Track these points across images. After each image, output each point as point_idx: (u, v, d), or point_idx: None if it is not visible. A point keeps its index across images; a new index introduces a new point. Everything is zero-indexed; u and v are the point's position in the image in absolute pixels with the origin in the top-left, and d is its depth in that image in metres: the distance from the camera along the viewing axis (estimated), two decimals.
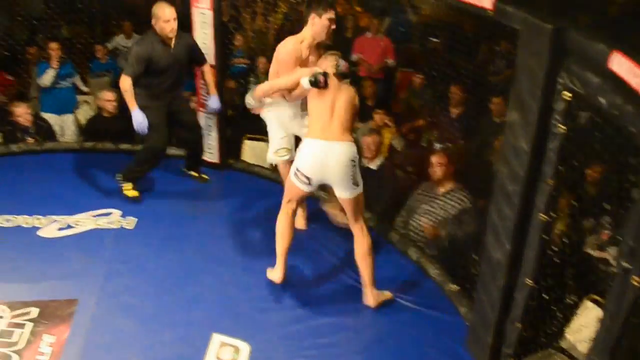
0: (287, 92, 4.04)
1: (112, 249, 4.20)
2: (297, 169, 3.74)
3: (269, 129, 4.34)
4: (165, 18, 4.47)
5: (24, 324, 3.48)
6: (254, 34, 7.97)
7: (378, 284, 3.82)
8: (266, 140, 5.84)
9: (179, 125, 4.98)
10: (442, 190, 4.52)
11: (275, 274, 3.90)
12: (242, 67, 7.18)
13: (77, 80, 6.67)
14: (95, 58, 7.26)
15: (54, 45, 6.19)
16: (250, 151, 5.80)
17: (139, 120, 4.55)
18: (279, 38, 8.08)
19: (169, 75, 4.67)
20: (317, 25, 4.03)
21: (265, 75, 6.90)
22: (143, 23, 7.66)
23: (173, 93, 4.79)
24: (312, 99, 3.84)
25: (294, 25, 8.58)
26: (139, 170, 4.86)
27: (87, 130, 6.09)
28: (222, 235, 4.23)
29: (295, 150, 4.10)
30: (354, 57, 7.37)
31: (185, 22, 4.90)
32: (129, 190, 4.80)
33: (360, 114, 6.19)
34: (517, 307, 3.09)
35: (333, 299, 3.87)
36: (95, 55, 7.27)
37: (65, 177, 5.06)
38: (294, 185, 3.79)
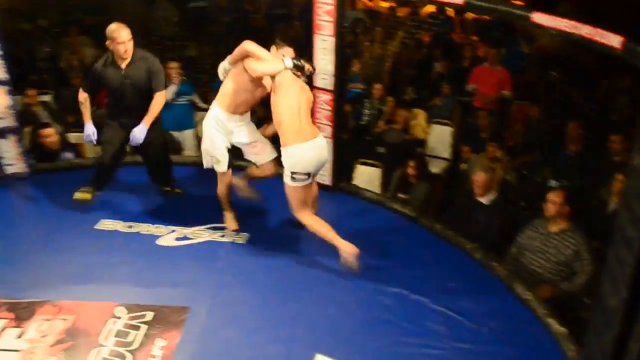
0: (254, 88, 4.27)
1: (224, 262, 4.38)
2: (293, 173, 4.09)
3: (210, 135, 4.45)
4: (120, 39, 4.56)
5: (139, 326, 3.70)
6: (371, 60, 8.10)
7: (482, 316, 3.88)
8: (377, 166, 5.95)
9: (142, 153, 5.17)
10: (554, 228, 4.38)
11: (348, 251, 4.15)
12: (357, 91, 7.31)
13: (195, 98, 7.03)
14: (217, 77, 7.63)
15: (173, 65, 6.60)
16: (361, 175, 5.88)
17: (87, 132, 4.85)
18: (395, 64, 8.24)
19: (121, 97, 4.76)
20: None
21: (379, 101, 7.04)
22: (263, 43, 8.10)
23: (133, 115, 4.79)
24: (279, 101, 4.10)
25: (412, 52, 8.67)
26: (95, 181, 5.04)
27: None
28: (330, 254, 4.31)
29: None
30: (470, 87, 7.30)
31: (306, 48, 5.05)
32: (81, 192, 4.98)
33: (473, 146, 6.18)
34: (631, 356, 2.94)
35: (444, 323, 3.86)
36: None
37: (186, 190, 5.32)
38: (298, 188, 4.14)
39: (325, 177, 5.38)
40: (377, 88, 7.13)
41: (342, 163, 5.50)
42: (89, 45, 8.47)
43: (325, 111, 5.16)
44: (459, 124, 7.06)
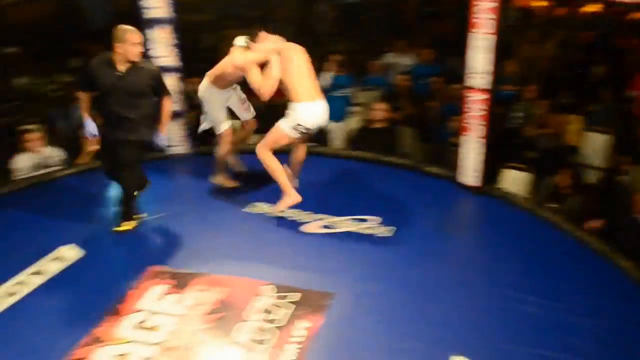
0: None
1: (369, 254, 4.45)
2: (299, 124, 4.75)
3: (210, 108, 5.26)
4: (135, 41, 4.45)
5: (285, 306, 3.87)
6: (525, 60, 7.85)
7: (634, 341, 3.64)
8: (527, 171, 5.78)
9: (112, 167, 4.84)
10: None
11: (291, 198, 4.85)
12: (508, 93, 7.13)
13: (352, 92, 7.19)
14: (367, 72, 7.76)
15: (335, 57, 6.77)
16: (510, 179, 5.73)
17: (88, 128, 4.67)
18: (551, 66, 7.93)
19: (109, 99, 4.52)
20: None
21: (530, 103, 6.82)
22: (411, 41, 8.16)
23: (115, 123, 4.59)
24: (286, 68, 4.74)
25: (569, 53, 8.31)
26: (125, 210, 4.86)
27: (354, 139, 6.55)
28: (475, 258, 4.25)
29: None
30: (632, 93, 6.88)
31: (460, 45, 4.98)
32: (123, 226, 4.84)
33: (634, 157, 5.82)
34: None
35: (592, 341, 3.67)
36: (368, 69, 7.77)
37: (332, 181, 5.47)
38: (288, 136, 4.84)
39: (473, 179, 5.31)
40: (530, 90, 6.90)
41: (491, 166, 5.41)
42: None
43: (479, 111, 5.07)
44: (618, 133, 6.66)
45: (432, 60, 7.82)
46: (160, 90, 4.72)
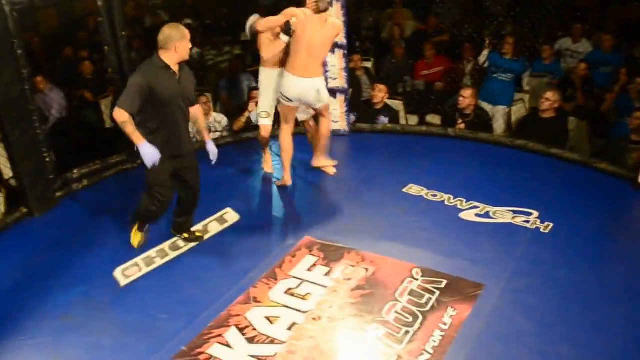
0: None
1: (525, 248, 4.29)
2: (281, 93, 4.93)
3: (261, 91, 5.26)
4: (189, 37, 3.93)
5: (433, 291, 3.84)
6: None
7: None
8: None
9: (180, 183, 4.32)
10: None
11: (285, 181, 5.18)
12: None
13: (524, 77, 6.91)
14: (539, 58, 7.39)
15: (509, 39, 6.55)
16: None
17: (147, 153, 3.89)
18: None
19: (171, 113, 3.98)
20: None
21: None
22: (589, 26, 7.63)
23: (179, 138, 4.10)
24: (293, 40, 4.80)
25: None
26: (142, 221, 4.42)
27: (518, 128, 6.30)
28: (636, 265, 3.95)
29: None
30: None
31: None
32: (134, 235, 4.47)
33: None
34: None
35: None
36: (539, 55, 7.40)
37: (491, 169, 5.32)
38: (283, 106, 5.02)
39: None
40: None
41: None
42: (410, 18, 8.87)
43: None
44: None
45: (613, 48, 7.27)
46: (193, 95, 4.23)
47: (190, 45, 3.94)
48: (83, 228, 4.86)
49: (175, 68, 3.93)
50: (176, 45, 3.84)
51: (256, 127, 5.61)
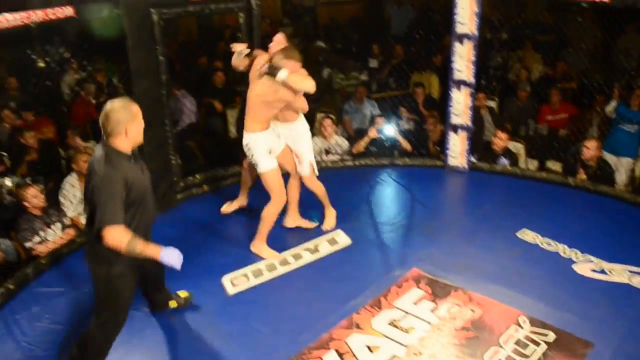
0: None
1: (639, 311, 4.02)
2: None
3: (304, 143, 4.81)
4: (140, 114, 3.23)
5: (539, 343, 3.65)
6: None
7: None
8: None
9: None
10: None
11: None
12: None
13: None
14: None
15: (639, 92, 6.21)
16: None
17: (174, 253, 3.26)
18: None
19: (147, 210, 3.34)
20: None
21: None
22: None
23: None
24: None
25: None
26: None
27: None
28: None
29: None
30: None
31: None
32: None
33: None
34: None
35: None
36: None
37: (610, 224, 5.03)
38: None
39: None
40: None
41: None
42: (539, 62, 8.62)
43: None
44: None
45: None
46: None
47: (142, 125, 3.24)
48: (197, 232, 5.03)
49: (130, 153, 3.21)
50: (126, 129, 3.11)
51: (370, 153, 5.66)
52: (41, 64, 8.05)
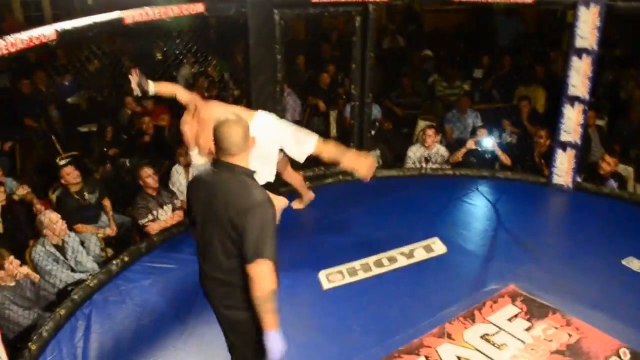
0: None
1: None
2: None
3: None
4: None
5: None
6: None
7: None
8: None
9: None
10: None
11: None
12: None
13: None
14: None
15: None
16: None
17: (282, 343, 2.74)
18: None
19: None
20: None
21: None
22: None
23: None
24: None
25: None
26: None
27: None
28: None
29: None
30: None
31: None
32: None
33: None
34: None
35: None
36: None
37: None
38: None
39: None
40: None
41: None
42: None
43: None
44: None
45: None
46: None
47: None
48: (296, 225, 5.07)
49: None
50: (249, 142, 2.76)
51: (471, 164, 5.50)
52: (159, 56, 8.40)
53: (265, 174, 4.26)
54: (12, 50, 3.18)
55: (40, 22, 10.60)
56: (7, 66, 8.13)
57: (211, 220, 2.73)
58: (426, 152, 6.20)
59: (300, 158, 4.41)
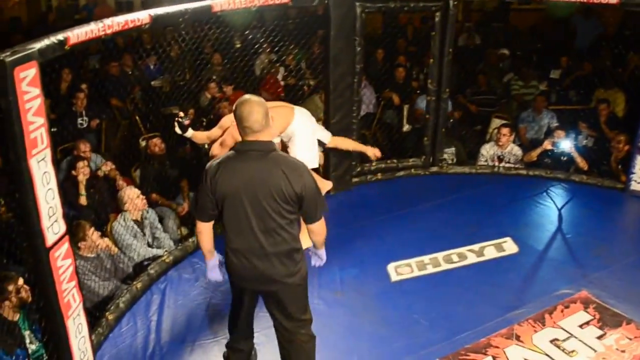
0: None
1: None
2: None
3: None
4: None
5: None
6: None
7: None
8: None
9: None
10: None
11: None
12: None
13: None
14: None
15: None
16: None
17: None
18: None
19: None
20: None
21: None
22: None
23: None
24: None
25: None
26: None
27: None
28: None
29: None
30: None
31: None
32: None
33: None
34: None
35: None
36: None
37: None
38: None
39: None
40: None
41: None
42: None
43: None
44: None
45: None
46: None
47: None
48: (366, 216, 5.05)
49: None
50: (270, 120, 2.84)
51: (545, 165, 5.26)
52: (237, 44, 8.47)
53: (311, 160, 4.33)
54: (109, 32, 3.26)
55: (129, 9, 10.90)
56: (98, 49, 8.41)
57: (257, 199, 2.74)
58: (500, 150, 6.01)
59: None
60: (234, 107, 2.80)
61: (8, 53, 2.57)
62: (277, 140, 4.34)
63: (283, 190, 2.72)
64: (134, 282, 4.14)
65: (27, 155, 2.67)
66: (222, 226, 2.89)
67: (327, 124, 5.16)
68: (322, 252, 3.16)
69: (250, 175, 2.74)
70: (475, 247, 4.54)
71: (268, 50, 8.11)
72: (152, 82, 8.20)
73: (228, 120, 4.27)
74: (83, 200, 4.82)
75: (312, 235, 3.03)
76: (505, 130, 5.94)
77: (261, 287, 2.95)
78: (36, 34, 3.05)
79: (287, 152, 4.32)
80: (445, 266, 4.34)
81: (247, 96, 2.79)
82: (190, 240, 4.61)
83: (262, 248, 2.81)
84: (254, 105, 2.74)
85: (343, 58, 5.05)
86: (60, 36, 2.89)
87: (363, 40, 5.14)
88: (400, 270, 4.30)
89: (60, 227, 2.95)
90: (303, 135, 4.34)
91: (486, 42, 9.47)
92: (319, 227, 2.95)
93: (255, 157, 2.75)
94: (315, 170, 4.23)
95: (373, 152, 4.98)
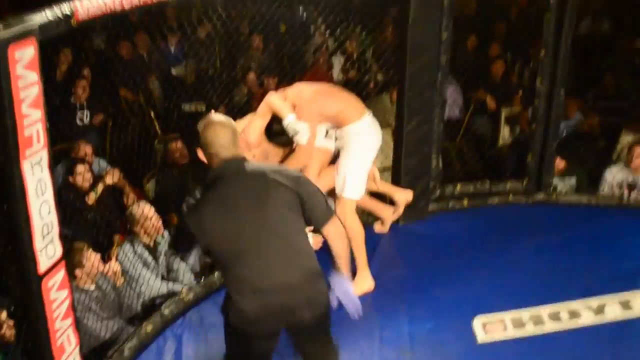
0: None
1: None
2: None
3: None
4: None
5: None
6: None
7: None
8: None
9: None
10: None
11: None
12: None
13: None
14: None
15: None
16: None
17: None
18: None
19: None
20: None
21: None
22: None
23: None
24: None
25: None
26: None
27: None
28: None
29: None
30: None
31: None
32: None
33: None
34: None
35: None
36: None
37: None
38: None
39: None
40: None
41: None
42: None
43: None
44: None
45: None
46: None
47: None
48: (446, 254, 5.06)
49: None
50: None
51: None
52: (282, 29, 8.61)
53: (355, 185, 4.53)
54: (127, 7, 3.37)
55: None
56: (102, 26, 8.62)
57: (265, 224, 3.00)
58: (631, 176, 5.94)
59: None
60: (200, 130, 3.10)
61: (0, 26, 2.61)
62: (322, 129, 4.48)
63: (282, 196, 3.03)
64: (143, 324, 4.25)
65: (20, 156, 2.73)
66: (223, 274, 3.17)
67: (399, 131, 5.20)
68: (350, 285, 3.33)
69: (241, 201, 3.01)
70: (593, 302, 4.49)
71: (323, 33, 8.26)
72: (173, 70, 8.41)
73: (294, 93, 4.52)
74: (92, 198, 4.95)
75: (334, 243, 3.21)
76: (638, 150, 5.86)
77: (293, 318, 3.10)
78: (30, 3, 3.05)
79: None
80: (550, 326, 4.30)
81: (209, 117, 3.11)
82: (215, 273, 4.71)
83: (285, 270, 3.03)
84: (217, 127, 3.05)
85: (424, 46, 5.06)
86: (66, 8, 2.94)
87: (452, 23, 5.15)
88: (490, 327, 4.30)
89: (57, 250, 3.06)
90: (363, 147, 4.45)
91: (618, 30, 9.38)
92: (337, 228, 3.20)
93: (234, 180, 3.04)
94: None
95: (406, 196, 5.06)
